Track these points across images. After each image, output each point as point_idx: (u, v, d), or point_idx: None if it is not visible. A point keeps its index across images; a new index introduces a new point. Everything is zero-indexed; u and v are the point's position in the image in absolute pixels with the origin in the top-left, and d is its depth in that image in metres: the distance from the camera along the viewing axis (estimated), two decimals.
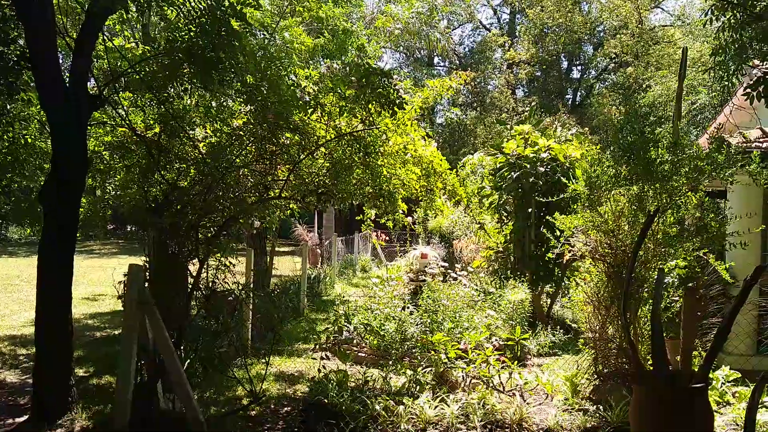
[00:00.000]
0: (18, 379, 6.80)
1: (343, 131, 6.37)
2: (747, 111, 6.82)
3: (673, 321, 6.29)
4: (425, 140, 7.75)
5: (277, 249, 14.19)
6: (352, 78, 5.83)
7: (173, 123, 5.79)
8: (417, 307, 8.79)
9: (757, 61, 6.57)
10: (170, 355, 4.70)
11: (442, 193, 8.60)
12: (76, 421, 5.31)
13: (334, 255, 17.46)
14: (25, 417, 5.49)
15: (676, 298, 6.28)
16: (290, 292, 12.27)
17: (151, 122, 6.24)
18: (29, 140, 7.08)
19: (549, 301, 10.58)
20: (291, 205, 7.67)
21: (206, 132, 6.44)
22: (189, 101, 6.43)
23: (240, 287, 5.70)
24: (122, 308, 4.75)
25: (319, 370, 6.48)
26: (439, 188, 8.19)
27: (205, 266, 5.30)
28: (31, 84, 6.43)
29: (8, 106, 6.72)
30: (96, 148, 6.84)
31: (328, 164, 6.53)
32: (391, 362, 6.88)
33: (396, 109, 5.57)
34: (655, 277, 5.18)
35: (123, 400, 4.59)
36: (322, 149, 6.46)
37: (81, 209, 6.56)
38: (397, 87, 5.61)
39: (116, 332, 9.14)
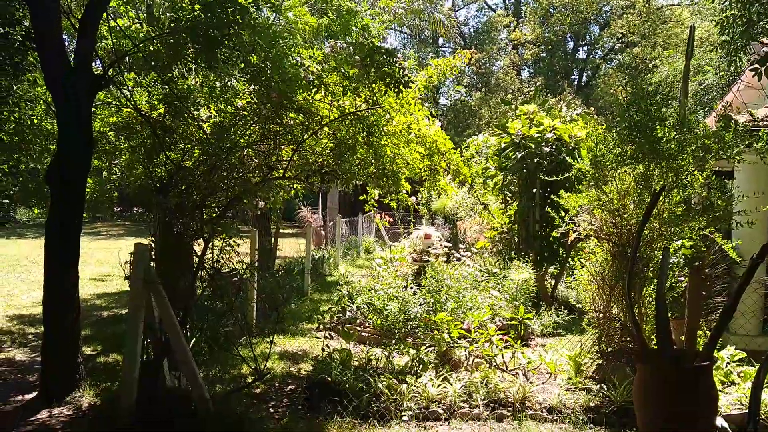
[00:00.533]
0: (27, 357, 6.88)
1: (346, 111, 6.34)
2: (755, 89, 6.76)
3: (677, 301, 6.29)
4: (429, 119, 7.71)
5: (281, 231, 14.22)
6: (356, 57, 5.79)
7: (177, 103, 5.78)
8: (420, 287, 8.81)
9: (766, 40, 6.49)
10: (176, 334, 4.74)
11: (445, 173, 8.58)
12: (83, 398, 5.38)
13: (338, 236, 17.47)
14: (34, 394, 5.56)
15: (681, 278, 6.27)
16: (294, 273, 12.32)
17: (156, 102, 6.23)
18: (35, 121, 7.09)
19: (553, 281, 10.58)
20: (295, 185, 7.67)
21: (210, 112, 6.43)
22: (193, 81, 6.40)
23: (245, 267, 5.72)
24: (129, 288, 4.78)
25: (322, 349, 6.52)
26: (442, 168, 8.16)
27: (210, 246, 5.31)
28: (37, 65, 6.42)
29: (14, 87, 6.72)
30: (102, 129, 6.84)
31: (331, 144, 6.51)
32: (394, 342, 6.91)
33: (401, 87, 5.53)
34: (660, 256, 5.17)
35: (129, 378, 4.64)
36: (326, 129, 6.43)
37: (88, 190, 6.58)
38: (401, 65, 5.56)
39: (123, 312, 9.20)
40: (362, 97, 6.26)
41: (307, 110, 6.05)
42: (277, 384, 6.08)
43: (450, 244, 13.04)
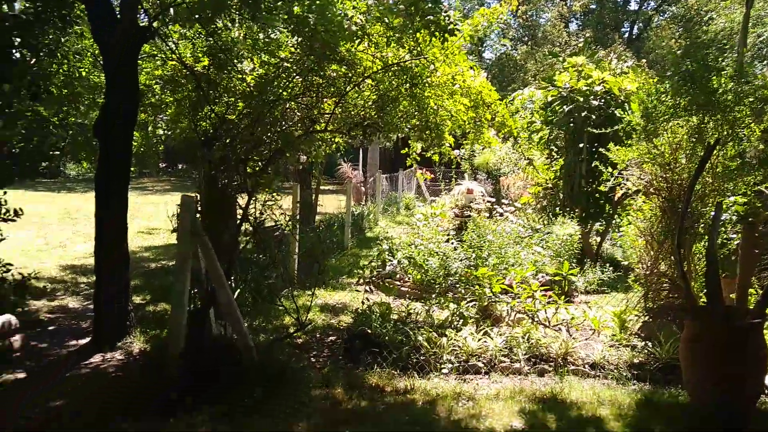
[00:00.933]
0: (80, 304, 7.16)
1: (390, 62, 6.22)
2: None
3: (728, 258, 6.09)
4: (474, 71, 7.50)
5: (322, 187, 14.29)
6: (401, 6, 5.64)
7: (221, 55, 5.76)
8: (461, 242, 8.76)
9: None
10: (221, 285, 4.84)
11: (490, 127, 8.39)
12: (134, 344, 5.60)
13: (378, 192, 17.47)
14: (87, 339, 5.80)
15: (733, 236, 6.06)
16: (335, 228, 12.42)
17: (200, 55, 6.24)
18: (83, 73, 7.18)
19: (598, 238, 10.40)
20: (336, 139, 7.62)
21: (254, 64, 6.40)
22: (237, 33, 6.37)
23: (287, 220, 5.77)
24: (176, 241, 4.87)
25: (362, 302, 6.58)
26: (487, 120, 7.97)
27: (253, 200, 5.36)
28: (84, 17, 6.46)
29: (62, 40, 6.78)
30: (147, 82, 6.91)
31: (374, 96, 6.42)
32: (434, 296, 6.92)
33: (446, 36, 5.37)
34: (712, 212, 4.99)
35: (177, 327, 4.77)
36: (369, 81, 6.34)
37: (135, 144, 6.68)
38: (447, 12, 5.39)
39: (170, 263, 9.46)
40: (406, 48, 6.13)
41: (350, 62, 5.96)
42: (318, 335, 6.19)
43: (493, 200, 12.90)
